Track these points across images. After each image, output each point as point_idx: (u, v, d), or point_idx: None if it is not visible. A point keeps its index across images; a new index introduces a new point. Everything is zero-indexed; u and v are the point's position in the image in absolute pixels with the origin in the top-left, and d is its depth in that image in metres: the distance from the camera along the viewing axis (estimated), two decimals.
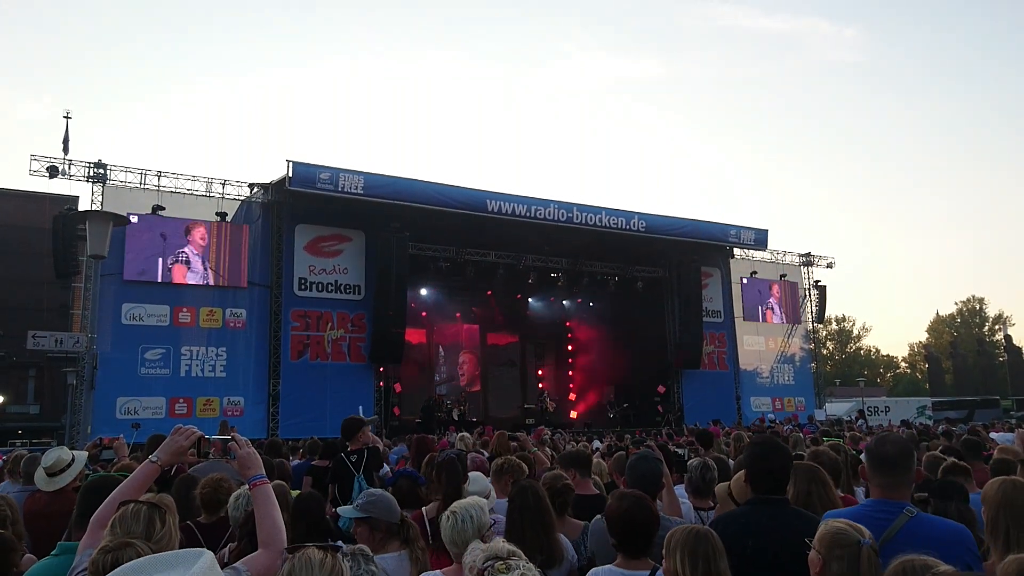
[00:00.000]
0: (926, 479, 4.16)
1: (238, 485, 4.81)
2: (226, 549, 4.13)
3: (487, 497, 4.45)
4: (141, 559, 1.73)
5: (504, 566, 2.34)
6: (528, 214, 22.10)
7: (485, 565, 2.38)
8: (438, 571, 3.45)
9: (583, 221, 22.97)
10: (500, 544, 2.51)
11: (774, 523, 2.79)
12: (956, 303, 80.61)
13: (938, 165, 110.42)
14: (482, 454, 7.18)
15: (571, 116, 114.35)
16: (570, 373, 30.97)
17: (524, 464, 5.44)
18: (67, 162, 18.87)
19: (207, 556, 1.74)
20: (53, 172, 18.62)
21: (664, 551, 2.77)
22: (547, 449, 9.42)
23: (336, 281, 21.51)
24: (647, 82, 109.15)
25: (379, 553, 3.55)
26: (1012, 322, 75.35)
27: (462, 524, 3.37)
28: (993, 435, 12.07)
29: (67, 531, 3.82)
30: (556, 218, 22.53)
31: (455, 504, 3.50)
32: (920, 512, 2.89)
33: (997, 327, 74.96)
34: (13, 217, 35.00)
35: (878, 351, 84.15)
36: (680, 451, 8.03)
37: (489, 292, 26.91)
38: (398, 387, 23.93)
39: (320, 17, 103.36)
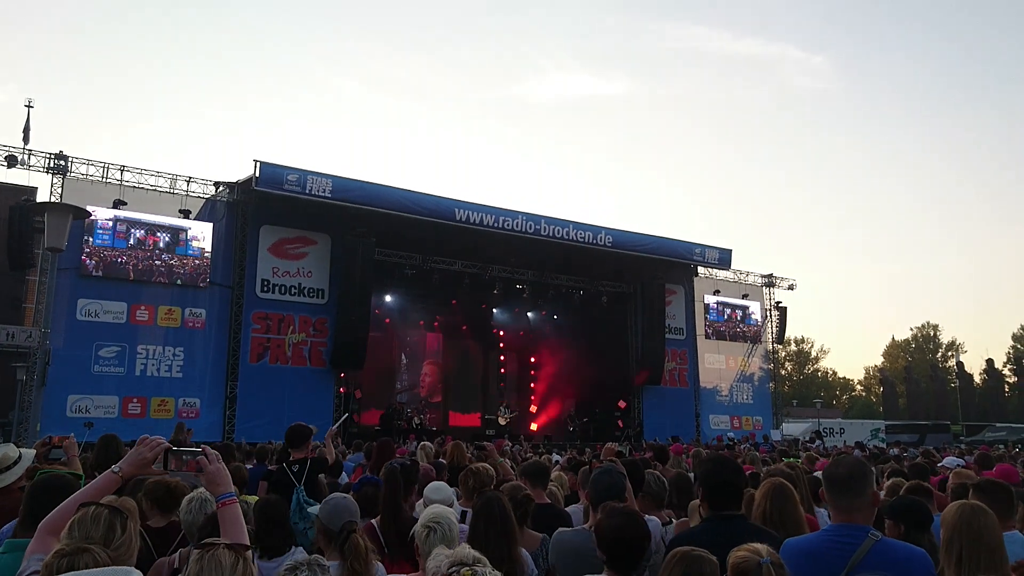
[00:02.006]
0: (890, 504, 4.19)
1: (191, 488, 4.70)
2: (176, 554, 4.03)
3: (451, 506, 4.40)
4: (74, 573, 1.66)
5: (470, 572, 2.30)
6: (496, 224, 22.09)
7: (450, 571, 2.34)
8: None
9: (550, 234, 23.03)
10: (466, 550, 2.47)
11: (734, 540, 2.80)
12: (911, 329, 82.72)
13: (899, 193, 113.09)
14: (443, 465, 7.12)
15: (543, 131, 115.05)
16: (532, 385, 30.97)
17: (493, 471, 5.40)
18: (27, 152, 18.46)
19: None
20: (12, 161, 18.21)
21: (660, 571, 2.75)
22: (507, 461, 9.39)
23: (300, 284, 21.27)
24: (618, 100, 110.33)
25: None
26: (964, 349, 77.49)
27: (451, 533, 3.32)
28: (944, 460, 12.29)
29: (7, 529, 3.69)
30: (524, 229, 22.56)
31: (434, 516, 3.44)
32: (884, 536, 2.91)
33: (950, 354, 76.86)
34: None
35: (835, 373, 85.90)
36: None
37: (454, 301, 26.83)
38: (358, 393, 23.73)
39: (294, 19, 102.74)
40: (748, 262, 63.28)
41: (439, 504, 3.80)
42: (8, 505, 4.72)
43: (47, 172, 18.56)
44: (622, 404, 27.43)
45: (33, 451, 5.47)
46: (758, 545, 2.57)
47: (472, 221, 21.70)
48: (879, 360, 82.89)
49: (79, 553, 2.23)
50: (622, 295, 27.65)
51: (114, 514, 2.49)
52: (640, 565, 3.26)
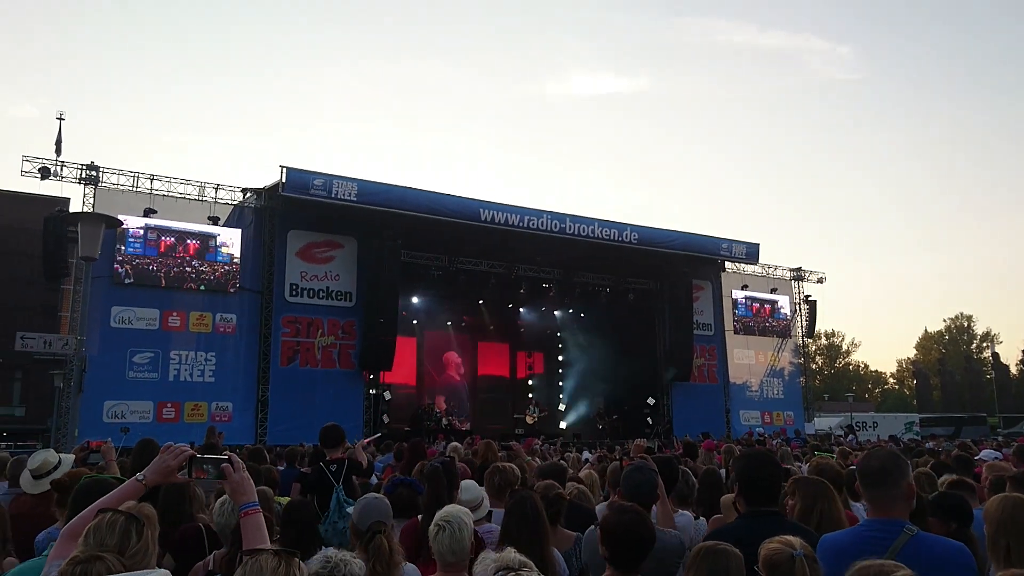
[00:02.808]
0: (933, 501, 4.12)
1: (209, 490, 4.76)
2: (211, 556, 4.08)
3: (480, 505, 4.42)
4: None
5: None
6: (521, 224, 22.09)
7: (496, 574, 2.36)
8: None
9: (576, 232, 22.98)
10: (511, 554, 2.47)
11: (771, 536, 2.78)
12: (944, 320, 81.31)
13: (929, 183, 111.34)
14: (473, 463, 7.14)
15: (567, 130, 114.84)
16: (560, 384, 30.91)
17: (517, 470, 5.40)
18: (59, 163, 18.73)
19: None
20: (45, 173, 18.48)
21: (685, 567, 2.76)
22: (536, 460, 9.41)
23: (327, 288, 21.43)
24: (642, 97, 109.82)
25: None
26: (999, 340, 75.94)
27: (460, 533, 3.32)
28: (982, 452, 12.07)
29: (51, 531, 3.76)
30: (549, 228, 22.53)
31: (445, 514, 3.44)
32: (920, 531, 2.86)
33: (985, 344, 75.44)
34: (3, 218, 34.72)
35: (866, 366, 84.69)
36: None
37: (480, 301, 26.88)
38: (387, 395, 23.85)
39: (319, 24, 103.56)
40: (776, 256, 62.73)
41: (461, 504, 3.80)
42: (48, 509, 4.82)
43: (79, 183, 18.86)
44: (651, 401, 27.30)
45: (72, 457, 5.59)
46: (791, 537, 2.55)
47: (497, 221, 21.72)
48: (912, 352, 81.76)
49: (92, 561, 2.22)
50: (649, 292, 27.50)
51: (130, 521, 2.48)
52: (642, 563, 3.24)
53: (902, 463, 3.01)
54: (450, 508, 3.54)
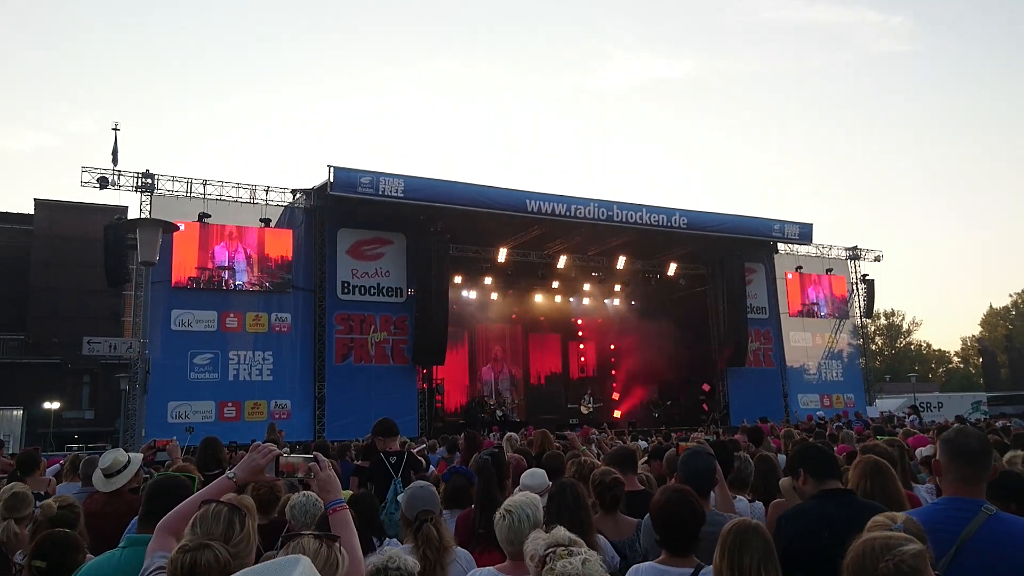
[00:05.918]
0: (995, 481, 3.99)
1: (288, 489, 4.87)
2: (281, 551, 4.16)
3: (546, 492, 4.42)
4: (246, 570, 1.71)
5: (566, 551, 2.34)
6: (568, 213, 21.98)
7: (547, 552, 2.38)
8: (491, 568, 3.44)
9: (623, 219, 22.77)
10: (562, 532, 2.50)
11: (847, 512, 2.72)
12: (1010, 295, 78.51)
13: (989, 155, 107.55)
14: (528, 453, 7.15)
15: (612, 116, 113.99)
16: (613, 372, 30.77)
17: (595, 459, 5.42)
18: (116, 173, 19.26)
19: (304, 563, 1.71)
20: (103, 183, 19.00)
21: (717, 547, 2.74)
22: (593, 448, 9.38)
23: (378, 284, 21.67)
24: (690, 79, 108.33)
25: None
26: None
27: (518, 524, 3.33)
28: None
29: (131, 526, 3.88)
30: (596, 216, 22.37)
31: (510, 503, 3.46)
32: (999, 511, 2.77)
33: None
34: (67, 228, 36.03)
35: (929, 346, 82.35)
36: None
37: (530, 292, 26.86)
38: (442, 389, 24.04)
39: (359, 25, 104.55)
40: (831, 236, 61.43)
41: (527, 492, 3.82)
42: (119, 507, 4.98)
43: (136, 191, 19.34)
44: (706, 387, 27.01)
45: (140, 456, 5.77)
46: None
47: (544, 211, 21.63)
48: (976, 330, 79.21)
49: (201, 549, 2.30)
50: (700, 277, 27.16)
51: (233, 511, 2.56)
52: (694, 544, 3.19)
53: (991, 445, 2.95)
54: (518, 497, 3.56)
